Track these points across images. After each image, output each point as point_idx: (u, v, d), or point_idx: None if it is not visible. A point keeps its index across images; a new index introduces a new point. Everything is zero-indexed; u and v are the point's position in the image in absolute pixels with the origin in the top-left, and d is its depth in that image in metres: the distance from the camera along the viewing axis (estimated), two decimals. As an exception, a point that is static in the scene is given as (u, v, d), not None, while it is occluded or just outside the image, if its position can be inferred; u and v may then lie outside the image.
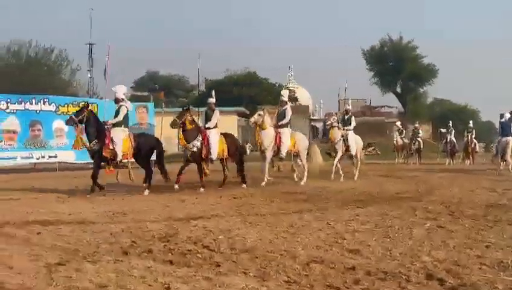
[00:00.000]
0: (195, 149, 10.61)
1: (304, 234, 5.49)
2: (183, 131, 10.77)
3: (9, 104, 19.31)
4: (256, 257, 4.42)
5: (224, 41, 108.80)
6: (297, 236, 5.40)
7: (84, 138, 10.39)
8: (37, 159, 19.72)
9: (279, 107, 12.84)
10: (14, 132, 18.89)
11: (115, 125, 10.29)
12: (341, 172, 13.47)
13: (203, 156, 10.74)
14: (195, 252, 4.69)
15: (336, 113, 15.14)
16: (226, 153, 11.28)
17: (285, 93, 13.60)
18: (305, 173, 12.26)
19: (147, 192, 10.10)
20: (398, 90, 51.21)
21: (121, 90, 11.02)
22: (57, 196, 9.62)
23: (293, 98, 49.64)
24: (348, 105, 15.63)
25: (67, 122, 10.74)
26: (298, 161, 12.64)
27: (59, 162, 20.46)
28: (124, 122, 10.48)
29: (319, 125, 55.72)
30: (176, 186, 10.40)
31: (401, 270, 4.00)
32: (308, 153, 12.73)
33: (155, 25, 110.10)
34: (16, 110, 19.39)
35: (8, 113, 19.09)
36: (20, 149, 19.04)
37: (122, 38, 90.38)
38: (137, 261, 4.33)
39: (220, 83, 47.20)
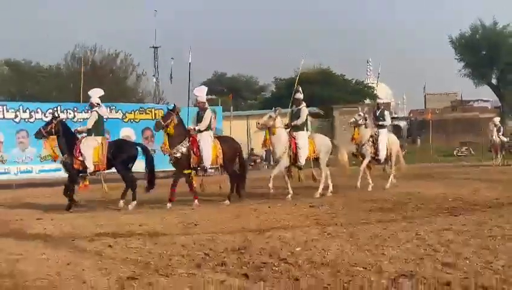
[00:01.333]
0: (178, 155, 10.04)
1: (391, 246, 5.38)
2: (167, 134, 10.31)
3: (76, 113, 20.44)
4: (338, 272, 4.39)
5: (294, 38, 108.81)
6: (383, 248, 5.29)
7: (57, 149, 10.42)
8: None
9: (294, 106, 11.84)
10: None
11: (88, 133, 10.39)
12: (370, 179, 12.15)
13: (191, 164, 10.17)
14: (271, 265, 4.73)
15: (364, 109, 13.22)
16: (220, 160, 10.53)
17: (298, 91, 12.07)
18: (323, 184, 11.23)
19: (130, 206, 9.91)
20: (494, 81, 48.79)
21: (96, 94, 10.99)
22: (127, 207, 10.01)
23: (372, 96, 48.82)
24: (379, 98, 14.00)
25: (35, 135, 10.70)
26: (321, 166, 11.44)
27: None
28: (97, 129, 10.50)
29: (403, 124, 54.38)
30: (169, 205, 9.85)
31: (504, 286, 3.82)
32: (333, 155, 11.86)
33: (219, 25, 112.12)
34: (83, 119, 20.44)
35: (75, 122, 20.17)
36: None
37: (187, 40, 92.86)
38: (211, 275, 4.44)
39: (292, 81, 47.23)
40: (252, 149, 27.33)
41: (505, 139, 22.21)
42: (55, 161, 11.06)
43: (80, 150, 9.95)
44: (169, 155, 10.15)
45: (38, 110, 19.85)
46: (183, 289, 4.03)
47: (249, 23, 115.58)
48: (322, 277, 4.24)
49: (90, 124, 10.45)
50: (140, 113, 22.62)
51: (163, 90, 44.45)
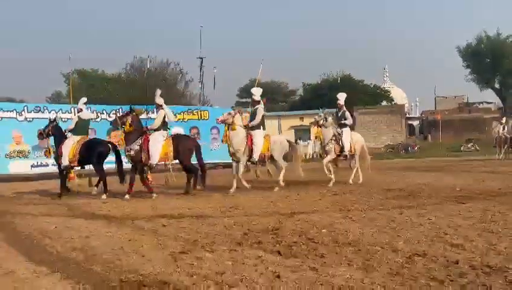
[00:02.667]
0: (132, 153, 9.75)
1: (405, 229, 5.30)
2: (124, 133, 10.01)
3: (134, 114, 20.79)
4: (359, 250, 4.35)
5: (320, 45, 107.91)
6: (399, 231, 5.22)
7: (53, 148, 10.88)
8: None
9: (251, 107, 11.11)
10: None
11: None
12: (332, 176, 11.10)
13: (142, 160, 9.77)
14: (300, 244, 4.72)
15: (324, 110, 12.25)
16: (170, 157, 10.02)
17: (256, 92, 11.12)
18: (281, 177, 10.37)
19: (104, 196, 9.77)
20: (497, 86, 47.42)
21: (81, 101, 11.11)
22: (176, 193, 10.13)
23: (388, 98, 48.07)
24: (339, 99, 12.35)
25: (38, 136, 11.10)
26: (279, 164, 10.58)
27: (172, 164, 21.55)
28: (80, 130, 10.66)
29: (415, 123, 53.44)
30: (154, 195, 9.65)
31: (507, 265, 3.72)
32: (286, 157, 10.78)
33: (255, 36, 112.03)
34: (141, 119, 20.83)
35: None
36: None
37: (228, 50, 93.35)
38: (249, 251, 4.46)
39: (317, 86, 46.91)
40: None
41: (509, 136, 21.56)
42: (48, 157, 11.77)
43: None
44: (125, 151, 9.92)
45: (104, 111, 20.32)
46: (225, 263, 4.06)
47: (280, 34, 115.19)
48: (345, 254, 4.21)
49: (72, 126, 10.69)
50: (188, 114, 22.86)
51: (207, 94, 44.75)
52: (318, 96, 44.01)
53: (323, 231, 5.34)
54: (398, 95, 53.54)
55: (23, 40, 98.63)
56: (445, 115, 43.09)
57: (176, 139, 10.31)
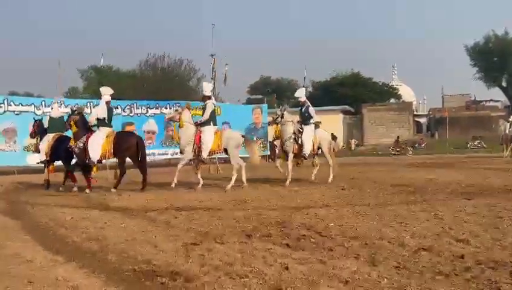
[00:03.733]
0: (76, 150, 9.85)
1: (412, 224, 5.26)
2: (72, 132, 10.13)
3: (148, 109, 21.00)
4: (366, 244, 4.34)
5: (330, 44, 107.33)
6: (405, 226, 5.18)
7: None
8: (171, 155, 21.16)
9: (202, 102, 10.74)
10: (153, 133, 20.60)
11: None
12: (289, 175, 10.38)
13: (87, 157, 9.76)
14: (308, 237, 4.72)
15: (283, 107, 11.74)
16: (110, 155, 9.79)
17: (207, 87, 10.76)
18: (243, 176, 9.87)
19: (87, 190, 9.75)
20: (504, 84, 46.82)
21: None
22: (189, 186, 10.16)
23: (396, 95, 47.72)
24: (299, 95, 11.52)
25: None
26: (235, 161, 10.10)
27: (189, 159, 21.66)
28: (53, 128, 10.81)
29: (423, 120, 53.08)
30: (87, 191, 9.67)
31: (513, 260, 3.69)
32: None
33: (264, 34, 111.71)
34: (154, 114, 21.02)
35: (148, 116, 20.78)
36: (158, 147, 20.68)
37: (239, 48, 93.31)
38: (259, 244, 4.46)
39: (326, 83, 46.70)
40: (274, 140, 27.09)
41: (514, 134, 21.25)
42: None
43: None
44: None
45: (118, 106, 20.41)
46: (235, 255, 4.07)
47: (289, 33, 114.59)
48: (352, 248, 4.20)
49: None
50: (200, 110, 22.75)
51: (219, 91, 44.77)
52: (327, 94, 43.86)
53: (330, 225, 5.33)
54: (406, 93, 53.13)
55: (44, 37, 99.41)
56: (452, 113, 42.63)
57: (117, 136, 10.08)
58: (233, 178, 9.74)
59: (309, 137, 10.69)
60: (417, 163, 18.25)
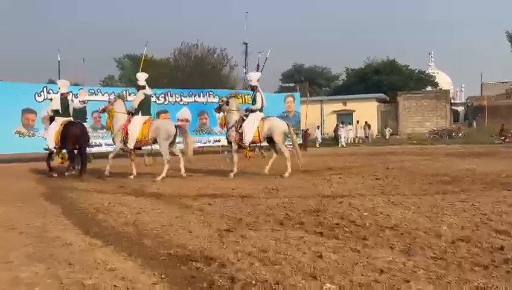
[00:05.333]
0: (38, 136, 10.62)
1: (448, 214, 5.14)
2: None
3: (182, 98, 21.25)
4: (401, 234, 4.27)
5: (366, 31, 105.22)
6: (441, 216, 5.07)
7: None
8: (204, 143, 21.39)
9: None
10: (187, 120, 20.86)
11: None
12: (234, 167, 9.98)
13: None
14: (342, 226, 4.68)
15: (235, 92, 11.38)
16: (57, 144, 10.46)
17: (140, 77, 10.52)
18: (165, 169, 9.67)
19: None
20: (547, 71, 44.85)
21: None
22: (222, 173, 10.24)
23: (433, 83, 46.47)
24: (251, 78, 10.79)
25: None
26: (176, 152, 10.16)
27: (222, 146, 21.85)
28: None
29: (460, 109, 51.65)
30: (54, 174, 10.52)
31: (557, 254, 3.55)
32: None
33: (298, 22, 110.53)
34: (188, 102, 21.27)
35: (182, 104, 21.05)
36: (191, 135, 20.87)
37: (272, 35, 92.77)
38: (292, 232, 4.46)
39: (361, 71, 45.94)
40: (308, 129, 26.98)
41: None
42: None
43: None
44: None
45: (153, 95, 20.70)
46: (268, 242, 4.08)
47: (323, 19, 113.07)
48: (387, 238, 4.14)
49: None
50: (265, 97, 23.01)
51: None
52: (361, 81, 43.17)
53: (365, 214, 5.27)
54: (443, 81, 51.79)
55: (79, 28, 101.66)
56: (491, 101, 41.27)
57: (65, 125, 10.44)
58: (165, 169, 9.63)
59: (250, 125, 9.97)
60: (454, 152, 17.77)
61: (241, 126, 10.00)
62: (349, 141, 31.11)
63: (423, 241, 4.00)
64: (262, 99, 10.13)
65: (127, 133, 10.00)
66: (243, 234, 4.36)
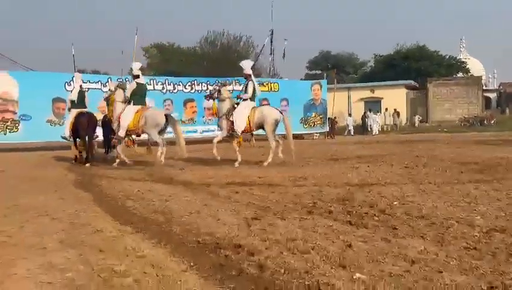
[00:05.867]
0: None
1: (482, 204, 5.00)
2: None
3: (209, 86, 21.27)
4: (433, 223, 4.17)
5: (393, 17, 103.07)
6: (475, 205, 4.94)
7: None
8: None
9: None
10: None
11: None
12: (216, 155, 9.97)
13: None
14: (371, 215, 4.62)
15: (226, 81, 11.27)
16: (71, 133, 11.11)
17: (134, 66, 10.89)
18: (158, 154, 9.84)
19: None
20: None
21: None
22: (248, 162, 10.24)
23: (464, 69, 45.22)
24: (244, 66, 10.66)
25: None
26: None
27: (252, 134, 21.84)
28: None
29: (492, 96, 50.21)
30: None
31: None
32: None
33: (324, 9, 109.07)
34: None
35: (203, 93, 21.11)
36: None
37: (299, 22, 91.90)
38: (320, 220, 4.42)
39: (390, 57, 45.05)
40: (335, 117, 26.77)
41: None
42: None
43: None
44: None
45: (180, 83, 20.89)
46: (296, 230, 4.06)
47: (351, 4, 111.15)
48: (418, 227, 4.06)
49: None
50: (259, 86, 22.92)
51: (277, 66, 44.45)
52: (390, 68, 42.35)
53: (394, 203, 5.18)
54: (475, 67, 50.26)
55: (108, 17, 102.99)
56: (526, 87, 39.93)
57: (76, 116, 10.97)
58: (159, 153, 9.88)
59: (241, 114, 9.93)
60: (486, 140, 17.30)
61: (232, 115, 9.97)
62: (379, 130, 30.71)
63: (456, 231, 3.91)
64: (254, 88, 10.15)
65: (119, 122, 10.31)
66: (270, 222, 4.35)
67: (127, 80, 17.88)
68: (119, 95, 10.52)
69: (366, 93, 37.09)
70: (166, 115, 10.39)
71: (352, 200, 5.38)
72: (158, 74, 31.72)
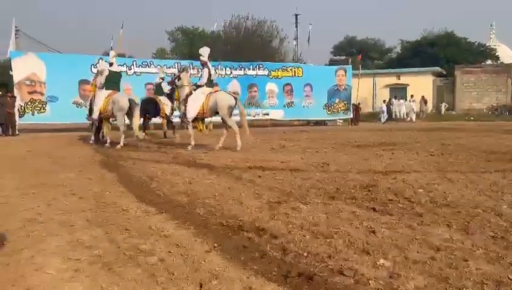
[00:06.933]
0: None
1: (509, 193, 4.90)
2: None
3: (232, 70, 21.27)
4: (459, 212, 4.11)
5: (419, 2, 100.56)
6: (502, 195, 4.84)
7: None
8: (253, 116, 21.41)
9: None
10: (237, 94, 20.88)
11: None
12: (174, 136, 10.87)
13: None
14: (396, 202, 4.57)
15: (183, 68, 11.44)
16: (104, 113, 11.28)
17: (110, 54, 11.86)
18: (121, 140, 10.79)
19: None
20: None
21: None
22: (271, 147, 10.24)
23: (494, 57, 43.96)
24: (201, 53, 10.69)
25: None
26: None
27: (270, 119, 21.83)
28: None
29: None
30: None
31: None
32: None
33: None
34: (238, 75, 21.28)
35: (231, 77, 21.07)
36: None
37: (324, 8, 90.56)
38: (343, 206, 4.40)
39: (417, 43, 44.08)
40: (359, 103, 26.36)
41: None
42: None
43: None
44: None
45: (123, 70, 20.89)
46: (319, 215, 4.05)
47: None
48: (443, 215, 4.00)
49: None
50: (282, 71, 22.86)
51: (302, 52, 44.11)
52: (417, 54, 41.47)
53: (419, 190, 5.11)
54: (505, 54, 48.68)
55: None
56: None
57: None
58: (122, 139, 10.74)
59: (194, 100, 10.10)
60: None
61: (186, 101, 10.22)
62: (400, 116, 30.25)
63: (482, 220, 3.84)
64: (209, 74, 10.32)
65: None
66: (293, 207, 4.36)
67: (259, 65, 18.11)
68: (98, 82, 11.35)
69: (392, 80, 36.44)
70: (129, 100, 10.94)
71: (376, 187, 5.33)
72: (182, 58, 31.88)
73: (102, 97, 10.96)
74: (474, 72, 35.30)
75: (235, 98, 10.15)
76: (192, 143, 10.15)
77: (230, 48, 36.42)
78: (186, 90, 10.31)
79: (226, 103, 9.90)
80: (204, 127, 10.69)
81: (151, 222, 3.91)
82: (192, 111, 10.06)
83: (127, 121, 11.07)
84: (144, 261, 2.95)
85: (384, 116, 28.78)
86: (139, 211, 4.29)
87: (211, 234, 3.51)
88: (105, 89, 11.08)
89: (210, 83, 10.40)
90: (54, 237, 3.48)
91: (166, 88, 13.74)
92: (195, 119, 10.27)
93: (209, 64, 10.55)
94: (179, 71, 11.48)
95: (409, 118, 28.56)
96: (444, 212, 4.12)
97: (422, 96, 31.90)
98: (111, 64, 11.39)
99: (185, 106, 10.15)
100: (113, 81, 11.17)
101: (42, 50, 20.16)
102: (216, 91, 10.25)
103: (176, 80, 10.59)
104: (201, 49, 10.96)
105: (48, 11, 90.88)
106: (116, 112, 10.71)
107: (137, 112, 10.90)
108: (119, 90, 11.46)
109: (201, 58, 10.65)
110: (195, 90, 10.28)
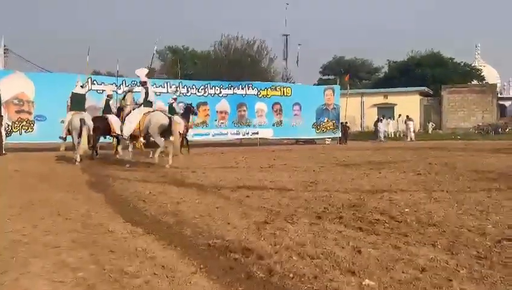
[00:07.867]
0: None
1: (494, 212, 4.96)
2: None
3: (221, 90, 21.37)
4: (444, 231, 4.15)
5: (407, 23, 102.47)
6: (487, 214, 4.90)
7: None
8: (243, 135, 21.51)
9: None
10: (226, 113, 21.02)
11: None
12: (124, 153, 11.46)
13: None
14: (382, 221, 4.60)
15: (132, 87, 12.64)
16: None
17: (141, 72, 11.72)
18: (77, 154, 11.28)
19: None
20: None
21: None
22: (260, 166, 10.27)
23: (479, 77, 44.76)
24: (138, 74, 11.48)
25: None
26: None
27: (260, 138, 21.92)
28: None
29: (508, 104, 49.65)
30: None
31: None
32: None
33: (339, 14, 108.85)
34: (227, 94, 21.39)
35: (221, 97, 21.18)
36: (230, 127, 21.11)
37: (313, 28, 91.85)
38: (330, 226, 4.42)
39: (404, 64, 44.79)
40: (347, 123, 26.49)
41: None
42: None
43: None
44: None
45: (193, 86, 20.99)
46: (306, 235, 4.06)
47: (364, 11, 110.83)
48: (429, 235, 4.03)
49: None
50: (271, 90, 23.00)
51: (291, 71, 44.47)
52: (404, 74, 42.11)
53: (406, 210, 5.16)
54: (490, 74, 49.77)
55: (123, 21, 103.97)
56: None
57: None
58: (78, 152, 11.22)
59: (131, 119, 10.71)
60: (500, 149, 17.09)
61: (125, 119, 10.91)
62: (388, 136, 30.46)
63: (467, 239, 3.88)
64: (146, 95, 10.77)
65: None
66: (280, 227, 4.36)
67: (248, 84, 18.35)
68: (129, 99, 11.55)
69: (379, 99, 36.91)
70: (80, 119, 11.27)
71: (363, 207, 5.37)
72: (172, 77, 32.00)
73: (68, 117, 11.44)
74: (460, 91, 35.92)
75: (169, 118, 10.59)
76: (126, 158, 11.10)
77: (220, 68, 36.69)
78: (128, 109, 11.06)
79: (158, 122, 10.38)
80: (140, 145, 11.14)
81: (138, 243, 3.88)
82: (127, 129, 10.73)
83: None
84: (129, 284, 2.93)
85: (382, 134, 28.74)
86: (125, 232, 4.26)
87: (197, 255, 3.49)
88: (71, 110, 11.54)
89: (148, 103, 10.92)
90: (39, 259, 3.44)
91: (178, 108, 14.04)
92: (134, 137, 10.80)
93: (149, 84, 11.19)
94: (125, 91, 12.20)
95: (408, 138, 28.69)
96: (429, 231, 4.16)
97: (407, 116, 32.28)
98: (144, 83, 11.22)
99: (123, 124, 10.91)
100: (76, 102, 11.59)
101: (31, 69, 20.13)
102: (153, 111, 10.76)
103: (122, 100, 11.46)
104: (137, 70, 11.56)
105: (39, 30, 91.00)
106: (72, 131, 11.29)
107: (85, 133, 11.29)
108: (84, 111, 11.72)
109: (140, 79, 11.34)
110: (133, 109, 10.92)
